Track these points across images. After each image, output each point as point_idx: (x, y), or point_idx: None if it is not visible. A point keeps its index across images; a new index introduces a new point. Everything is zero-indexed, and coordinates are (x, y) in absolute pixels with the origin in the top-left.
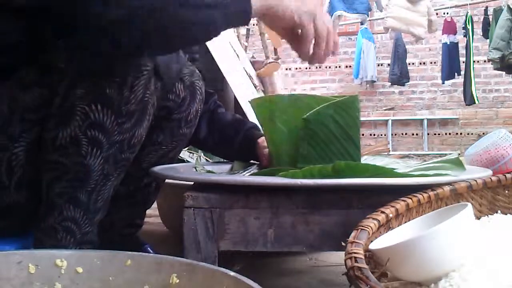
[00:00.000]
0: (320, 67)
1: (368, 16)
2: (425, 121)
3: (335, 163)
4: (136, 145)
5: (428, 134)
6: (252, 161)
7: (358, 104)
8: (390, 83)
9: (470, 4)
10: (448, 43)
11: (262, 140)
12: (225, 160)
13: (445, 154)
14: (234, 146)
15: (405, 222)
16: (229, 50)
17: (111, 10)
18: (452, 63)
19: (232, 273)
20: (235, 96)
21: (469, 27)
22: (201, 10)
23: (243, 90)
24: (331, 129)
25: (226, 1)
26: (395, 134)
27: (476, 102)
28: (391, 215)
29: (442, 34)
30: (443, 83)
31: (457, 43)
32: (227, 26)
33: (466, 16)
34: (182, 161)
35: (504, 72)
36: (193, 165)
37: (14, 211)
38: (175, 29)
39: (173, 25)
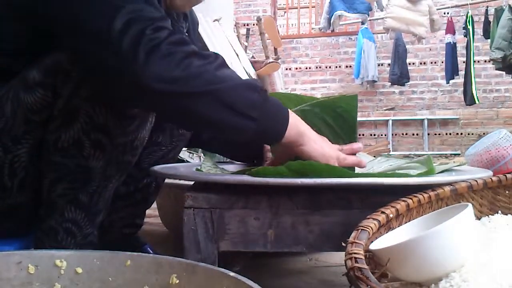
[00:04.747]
0: (320, 67)
1: (368, 16)
2: (426, 121)
3: (288, 163)
4: (138, 147)
5: (428, 134)
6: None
7: (354, 105)
8: (390, 83)
9: (470, 4)
10: (452, 43)
11: None
12: (230, 160)
13: (446, 154)
14: (241, 147)
15: (406, 222)
16: (229, 50)
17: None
18: (454, 62)
19: (232, 273)
20: None
21: (470, 27)
22: (241, 116)
23: (246, 79)
24: (319, 127)
25: (266, 118)
26: (396, 134)
27: (477, 102)
28: (391, 215)
29: (446, 33)
30: (447, 82)
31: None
32: (256, 140)
33: (467, 16)
34: (182, 161)
35: (504, 72)
36: (193, 165)
37: (16, 212)
38: (208, 120)
39: (209, 116)
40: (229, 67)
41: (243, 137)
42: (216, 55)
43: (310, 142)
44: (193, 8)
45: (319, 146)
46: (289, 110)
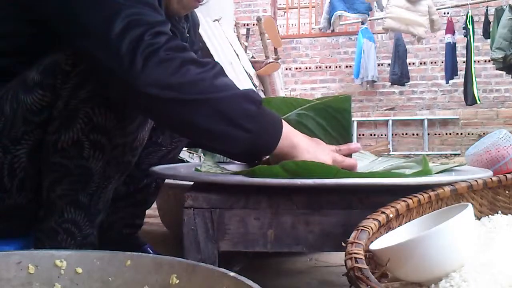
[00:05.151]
0: (320, 67)
1: (368, 16)
2: (426, 121)
3: (283, 162)
4: (138, 148)
5: (428, 134)
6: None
7: (347, 106)
8: (390, 83)
9: (470, 4)
10: (452, 43)
11: None
12: (229, 160)
13: (446, 154)
14: None
15: (406, 222)
16: (229, 50)
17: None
18: (454, 63)
19: (232, 273)
20: None
21: (470, 27)
22: (236, 128)
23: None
24: (314, 131)
25: (260, 130)
26: (396, 134)
27: (478, 102)
28: (391, 216)
29: (446, 33)
30: (447, 82)
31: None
32: (247, 151)
33: (467, 16)
34: (182, 161)
35: (504, 72)
36: (193, 165)
37: (16, 213)
38: (202, 129)
39: (204, 125)
40: (227, 76)
41: (235, 148)
42: (215, 63)
43: (304, 153)
44: (195, 10)
45: (313, 155)
46: (282, 120)
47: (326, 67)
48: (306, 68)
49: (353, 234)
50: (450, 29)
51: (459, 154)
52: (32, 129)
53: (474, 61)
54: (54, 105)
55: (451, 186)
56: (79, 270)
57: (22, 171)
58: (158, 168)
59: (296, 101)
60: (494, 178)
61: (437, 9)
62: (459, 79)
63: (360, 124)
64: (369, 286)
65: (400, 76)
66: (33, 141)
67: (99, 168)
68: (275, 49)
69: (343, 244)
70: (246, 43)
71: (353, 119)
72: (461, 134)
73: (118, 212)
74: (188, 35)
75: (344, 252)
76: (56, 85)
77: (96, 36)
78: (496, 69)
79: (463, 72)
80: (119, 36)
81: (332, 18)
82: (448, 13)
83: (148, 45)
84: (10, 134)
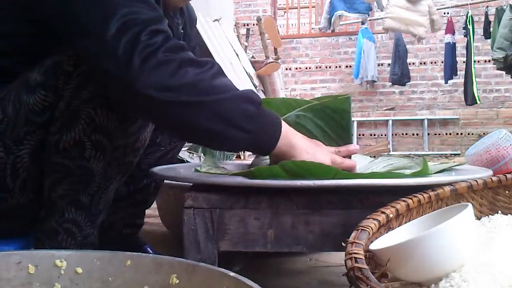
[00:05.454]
0: (320, 67)
1: (368, 16)
2: (426, 121)
3: (282, 162)
4: (139, 149)
5: (428, 134)
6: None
7: (347, 106)
8: (390, 83)
9: (470, 4)
10: (451, 43)
11: None
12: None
13: (446, 154)
14: None
15: (406, 222)
16: (229, 50)
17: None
18: (453, 62)
19: (232, 273)
20: None
21: (470, 27)
22: (235, 128)
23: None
24: (312, 132)
25: (259, 131)
26: (396, 134)
27: (478, 102)
28: (391, 216)
29: (445, 33)
30: (446, 82)
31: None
32: (246, 150)
33: (467, 16)
34: (182, 161)
35: (504, 72)
36: (193, 165)
37: (18, 213)
38: (202, 130)
39: (204, 126)
40: (226, 76)
41: (235, 148)
42: (213, 63)
43: (302, 153)
44: (193, 7)
45: (311, 155)
46: (281, 121)
47: (326, 67)
48: (306, 68)
49: (353, 234)
50: (450, 29)
51: (459, 154)
52: (34, 130)
53: (474, 61)
54: (56, 105)
55: (451, 186)
56: (79, 270)
57: (25, 171)
58: (158, 169)
59: (296, 102)
60: (494, 178)
61: (437, 9)
62: (459, 79)
63: (360, 124)
64: (369, 286)
65: (401, 76)
66: (35, 141)
67: (100, 168)
68: (275, 49)
69: (343, 244)
70: (246, 43)
71: (353, 119)
72: (461, 134)
73: (118, 212)
74: (183, 30)
75: (344, 252)
76: (58, 85)
77: (95, 36)
78: (497, 69)
79: (463, 72)
80: (115, 36)
81: (332, 18)
82: (448, 13)
83: (146, 46)
84: (13, 135)
